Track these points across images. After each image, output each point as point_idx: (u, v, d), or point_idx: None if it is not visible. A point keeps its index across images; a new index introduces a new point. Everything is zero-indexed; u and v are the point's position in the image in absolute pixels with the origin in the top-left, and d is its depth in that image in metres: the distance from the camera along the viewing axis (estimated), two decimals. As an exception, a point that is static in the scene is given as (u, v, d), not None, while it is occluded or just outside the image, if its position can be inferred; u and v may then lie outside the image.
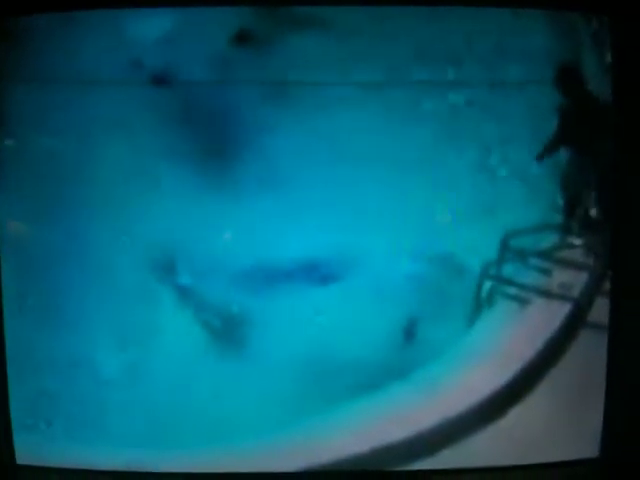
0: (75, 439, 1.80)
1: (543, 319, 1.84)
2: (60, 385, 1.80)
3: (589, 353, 1.83)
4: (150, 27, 1.76)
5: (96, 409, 1.80)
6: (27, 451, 1.79)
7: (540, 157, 1.81)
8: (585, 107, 1.83)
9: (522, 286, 1.85)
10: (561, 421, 1.84)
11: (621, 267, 1.81)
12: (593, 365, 1.82)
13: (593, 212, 1.85)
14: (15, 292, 1.78)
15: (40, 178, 1.79)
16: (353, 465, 1.80)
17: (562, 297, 1.85)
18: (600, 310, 1.83)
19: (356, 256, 1.80)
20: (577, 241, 1.85)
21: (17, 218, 1.79)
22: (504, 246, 1.82)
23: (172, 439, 1.79)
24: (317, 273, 1.80)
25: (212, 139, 1.79)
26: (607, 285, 1.83)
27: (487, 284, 1.83)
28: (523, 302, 1.84)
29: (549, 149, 1.81)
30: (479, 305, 1.83)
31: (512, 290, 1.84)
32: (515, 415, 1.82)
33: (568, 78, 1.81)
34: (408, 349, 1.81)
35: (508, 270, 1.84)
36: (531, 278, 1.85)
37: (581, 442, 1.83)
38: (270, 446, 1.78)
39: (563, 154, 1.84)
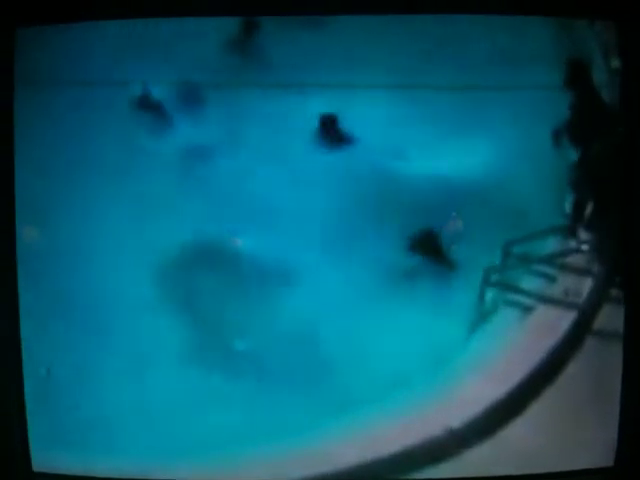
0: (90, 448, 1.81)
1: (548, 326, 1.81)
2: (75, 394, 1.82)
3: (596, 360, 1.80)
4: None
5: (109, 419, 1.82)
6: (43, 459, 1.81)
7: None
8: (593, 109, 1.81)
9: (526, 293, 1.81)
10: (571, 430, 1.80)
11: (635, 273, 1.78)
12: (601, 372, 1.79)
13: (599, 216, 1.82)
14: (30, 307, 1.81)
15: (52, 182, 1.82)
16: (352, 476, 1.79)
17: (567, 304, 1.81)
18: (606, 316, 1.80)
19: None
20: (583, 246, 1.81)
21: (29, 222, 1.82)
22: (507, 252, 1.79)
23: (175, 449, 1.80)
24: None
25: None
26: (614, 291, 1.79)
27: (490, 291, 1.81)
28: (527, 309, 1.81)
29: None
30: (482, 313, 1.80)
31: (515, 297, 1.81)
32: (522, 424, 1.80)
33: (576, 79, 1.79)
34: (410, 358, 1.79)
35: (511, 276, 1.81)
36: (535, 284, 1.82)
37: (595, 451, 1.80)
38: (270, 456, 1.77)
39: (570, 157, 1.82)
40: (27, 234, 1.80)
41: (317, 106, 1.80)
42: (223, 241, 1.82)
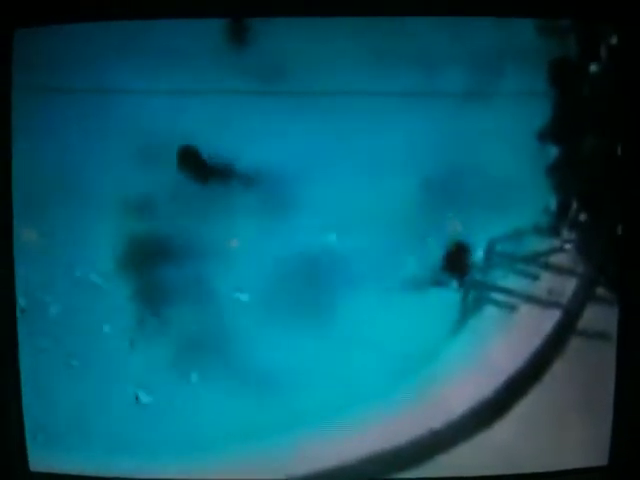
0: (86, 447, 1.82)
1: (532, 326, 1.80)
2: (72, 394, 1.84)
3: (583, 359, 1.79)
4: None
5: (105, 417, 1.83)
6: (40, 458, 1.82)
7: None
8: (578, 109, 1.80)
9: (510, 292, 1.80)
10: (562, 429, 1.81)
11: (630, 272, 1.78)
12: (589, 371, 1.79)
13: (584, 215, 1.81)
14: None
15: (53, 187, 1.83)
16: (339, 476, 1.80)
17: (551, 303, 1.80)
18: (592, 315, 1.80)
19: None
20: (567, 245, 1.80)
21: (29, 227, 1.83)
22: (491, 250, 1.79)
23: (169, 447, 1.81)
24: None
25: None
26: (598, 290, 1.79)
27: (473, 290, 1.80)
28: (511, 309, 1.80)
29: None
30: (465, 312, 1.80)
31: (499, 296, 1.80)
32: (510, 423, 1.80)
33: (560, 79, 1.78)
34: (394, 358, 1.79)
35: (495, 275, 1.81)
36: (519, 284, 1.81)
37: (588, 450, 1.80)
38: (253, 456, 1.79)
39: (555, 156, 1.81)
40: (25, 235, 1.83)
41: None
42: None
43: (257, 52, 1.80)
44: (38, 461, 1.82)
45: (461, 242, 1.79)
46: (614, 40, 1.78)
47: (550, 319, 1.80)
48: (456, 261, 1.79)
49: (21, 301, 1.82)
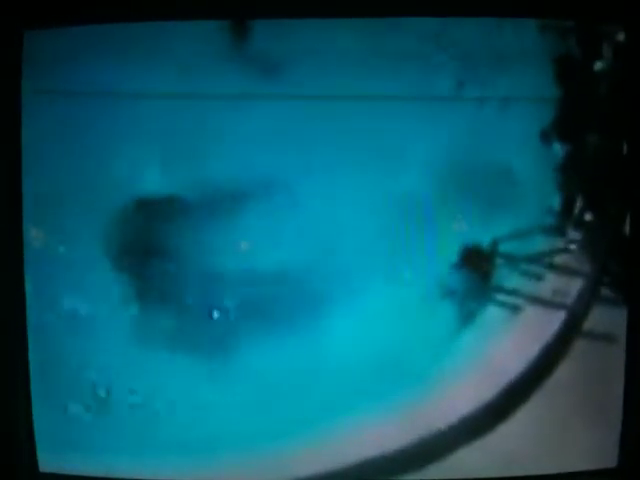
0: (96, 448, 1.83)
1: (537, 327, 1.79)
2: (80, 395, 1.85)
3: (588, 360, 1.79)
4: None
5: (114, 419, 1.84)
6: (49, 459, 1.84)
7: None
8: (582, 108, 1.79)
9: (513, 293, 1.79)
10: (570, 431, 1.80)
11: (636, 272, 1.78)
12: (595, 372, 1.78)
13: (589, 214, 1.79)
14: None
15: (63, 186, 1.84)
16: (337, 477, 1.80)
17: (556, 304, 1.79)
18: (597, 317, 1.78)
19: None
20: (571, 245, 1.79)
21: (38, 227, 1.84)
22: (494, 251, 1.78)
23: (178, 449, 1.82)
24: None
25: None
26: (603, 291, 1.78)
27: (476, 291, 1.79)
28: (515, 310, 1.79)
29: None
30: (469, 313, 1.79)
31: (503, 297, 1.79)
32: (516, 425, 1.79)
33: (564, 78, 1.78)
34: (397, 360, 1.79)
35: (498, 276, 1.79)
36: (523, 284, 1.79)
37: (597, 452, 1.79)
38: (253, 460, 1.79)
39: (559, 154, 1.80)
40: (33, 237, 1.84)
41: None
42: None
43: (259, 53, 1.80)
44: (47, 462, 1.83)
45: (476, 246, 1.79)
46: (619, 39, 1.77)
47: (555, 320, 1.79)
48: (474, 264, 1.79)
49: (31, 303, 1.83)
